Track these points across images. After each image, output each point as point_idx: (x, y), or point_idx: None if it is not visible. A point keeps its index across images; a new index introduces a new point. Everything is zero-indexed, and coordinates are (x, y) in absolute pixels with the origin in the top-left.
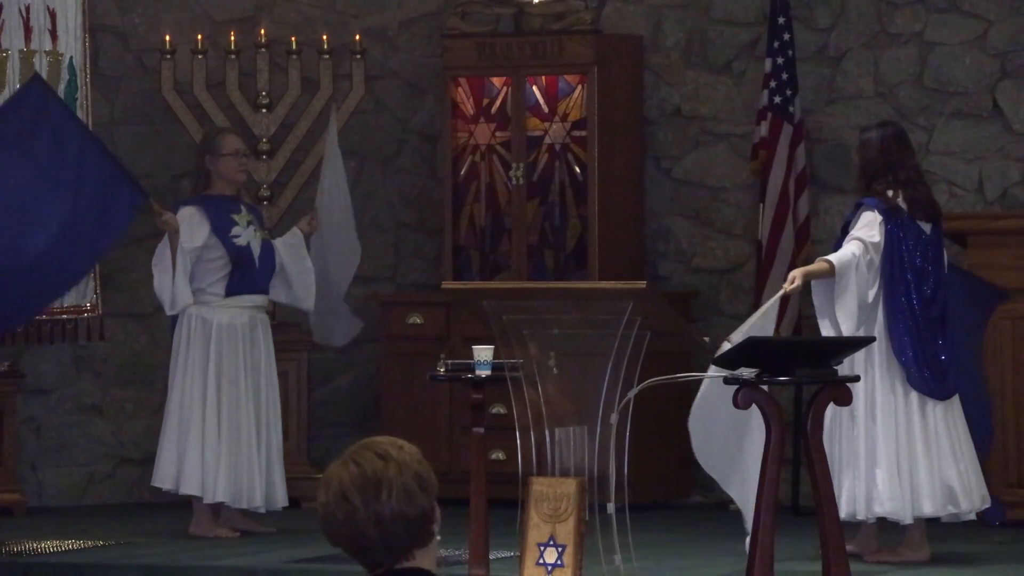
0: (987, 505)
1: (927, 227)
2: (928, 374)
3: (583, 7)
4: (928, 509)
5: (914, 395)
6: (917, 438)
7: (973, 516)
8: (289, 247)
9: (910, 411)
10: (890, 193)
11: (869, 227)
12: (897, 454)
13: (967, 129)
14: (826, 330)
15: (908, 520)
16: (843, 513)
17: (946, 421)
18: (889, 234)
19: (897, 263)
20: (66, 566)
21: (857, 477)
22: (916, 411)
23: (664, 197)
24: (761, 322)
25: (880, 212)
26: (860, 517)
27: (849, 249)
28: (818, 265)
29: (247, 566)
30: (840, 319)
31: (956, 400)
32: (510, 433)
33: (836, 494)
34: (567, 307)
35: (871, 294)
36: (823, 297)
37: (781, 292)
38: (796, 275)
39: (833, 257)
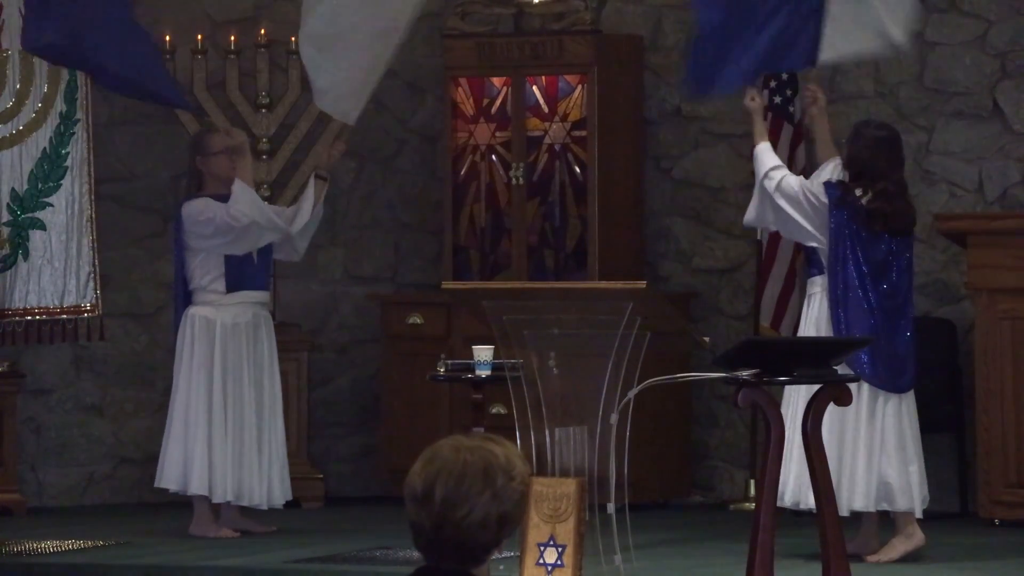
0: (926, 505)
1: (893, 237)
2: (882, 369)
3: (583, 7)
4: (859, 504)
5: (865, 387)
6: (861, 433)
7: (921, 515)
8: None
9: (859, 405)
10: (858, 192)
11: (814, 184)
12: (838, 447)
13: (967, 129)
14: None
15: (843, 513)
16: (787, 502)
17: (896, 417)
18: (838, 222)
19: (851, 255)
20: (66, 566)
21: (804, 467)
22: (865, 405)
23: (664, 197)
24: None
25: (831, 198)
26: (802, 507)
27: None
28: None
29: (247, 566)
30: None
31: (911, 396)
32: (510, 433)
33: (783, 482)
34: (567, 307)
35: (769, 217)
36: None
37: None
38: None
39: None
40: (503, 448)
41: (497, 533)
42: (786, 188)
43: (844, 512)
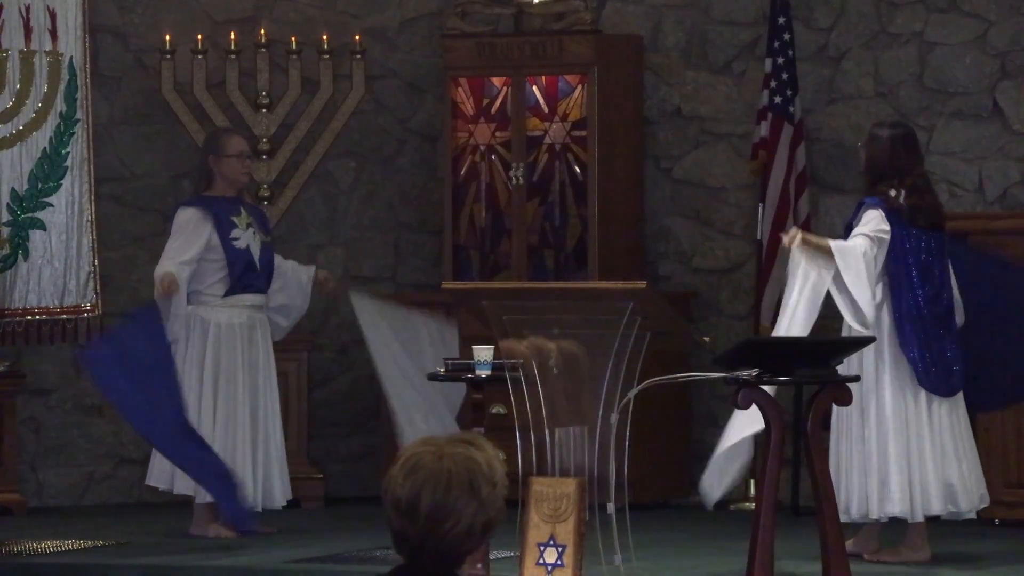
0: (985, 504)
1: (931, 232)
2: (935, 371)
3: (583, 7)
4: (936, 508)
5: (923, 393)
6: (925, 437)
7: (973, 515)
8: (297, 283)
9: (919, 410)
10: (892, 193)
11: (875, 223)
12: (908, 453)
13: (967, 129)
14: (846, 312)
15: (918, 518)
16: (854, 514)
17: (950, 419)
18: (893, 233)
19: (901, 261)
20: (66, 566)
21: (869, 477)
22: (924, 409)
23: (664, 197)
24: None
25: (883, 210)
26: (873, 517)
27: (856, 241)
28: (821, 240)
29: (247, 566)
30: (861, 304)
31: (960, 397)
32: (510, 433)
33: (844, 495)
34: (567, 307)
35: (877, 291)
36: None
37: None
38: (796, 233)
39: (834, 243)
40: (483, 453)
41: (481, 539)
42: (867, 248)
43: (919, 517)
